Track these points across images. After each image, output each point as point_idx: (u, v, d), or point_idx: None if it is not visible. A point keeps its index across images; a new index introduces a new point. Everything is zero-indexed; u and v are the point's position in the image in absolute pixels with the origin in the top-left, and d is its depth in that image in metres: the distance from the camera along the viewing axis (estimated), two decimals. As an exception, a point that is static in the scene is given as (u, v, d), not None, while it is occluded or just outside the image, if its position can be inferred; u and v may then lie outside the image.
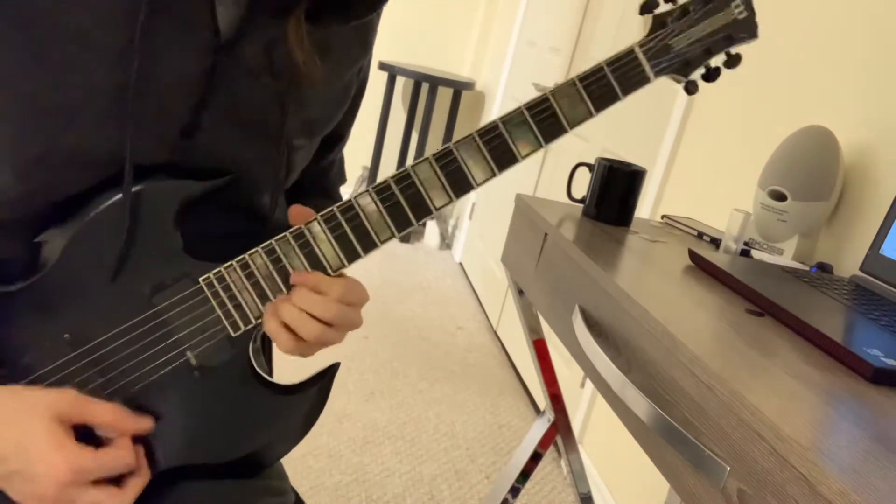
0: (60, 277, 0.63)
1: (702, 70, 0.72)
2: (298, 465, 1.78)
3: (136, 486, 0.63)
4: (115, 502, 0.60)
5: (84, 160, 0.61)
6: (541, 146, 0.67)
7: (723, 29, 0.70)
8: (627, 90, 0.68)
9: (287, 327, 0.65)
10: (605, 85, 0.67)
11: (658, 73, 0.69)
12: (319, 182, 0.85)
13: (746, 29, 0.70)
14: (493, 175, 0.67)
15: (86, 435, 0.61)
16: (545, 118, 0.67)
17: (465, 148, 0.66)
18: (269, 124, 0.68)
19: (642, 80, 0.68)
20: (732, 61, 0.72)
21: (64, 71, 0.58)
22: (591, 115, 0.68)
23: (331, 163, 0.86)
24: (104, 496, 0.60)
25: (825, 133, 1.07)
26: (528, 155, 0.68)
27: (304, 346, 0.66)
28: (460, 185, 0.67)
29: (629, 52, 0.68)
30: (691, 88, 0.72)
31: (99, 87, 0.59)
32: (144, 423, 0.64)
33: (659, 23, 0.69)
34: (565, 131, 0.68)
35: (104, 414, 0.61)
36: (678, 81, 0.72)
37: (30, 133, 0.59)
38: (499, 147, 0.67)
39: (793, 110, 1.32)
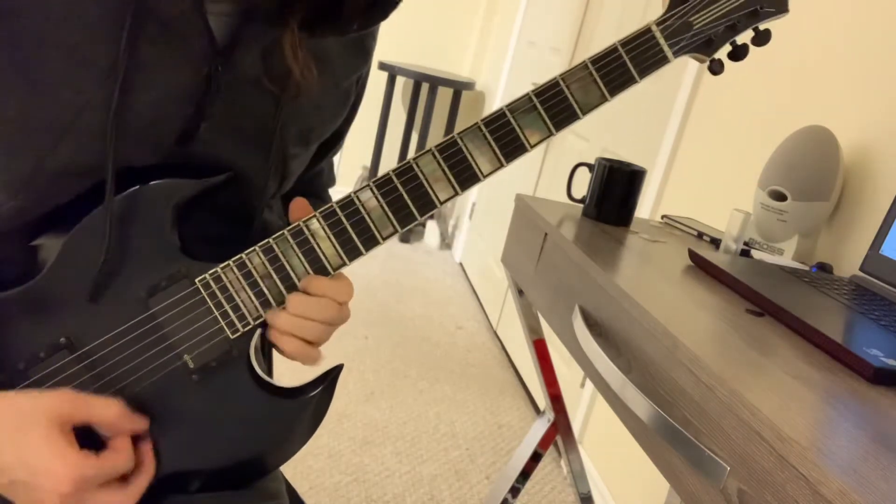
0: (56, 281, 0.62)
1: (727, 48, 0.67)
2: (298, 465, 1.78)
3: (141, 483, 0.62)
4: (121, 502, 0.60)
5: (76, 172, 0.60)
6: (551, 134, 0.64)
7: (748, 3, 0.65)
8: (644, 72, 0.64)
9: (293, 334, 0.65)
10: (619, 67, 0.63)
11: (678, 53, 0.64)
12: (310, 186, 0.84)
13: (774, 3, 0.65)
14: (501, 166, 0.64)
15: (83, 432, 0.60)
16: (555, 104, 0.63)
17: (471, 138, 0.63)
18: (266, 132, 0.66)
19: (660, 61, 0.64)
20: (761, 38, 0.67)
21: (54, 88, 0.57)
22: (605, 100, 0.64)
23: (321, 168, 0.85)
24: (111, 498, 0.59)
25: (825, 133, 1.07)
26: (537, 144, 0.64)
27: (309, 349, 0.66)
28: (466, 177, 0.64)
29: (646, 31, 0.64)
30: (716, 68, 0.67)
31: (90, 102, 0.58)
32: (142, 423, 0.63)
33: None
34: (578, 118, 0.64)
35: (105, 412, 0.60)
36: (701, 61, 0.67)
37: (19, 152, 0.58)
38: (506, 136, 0.63)
39: (793, 110, 1.32)
